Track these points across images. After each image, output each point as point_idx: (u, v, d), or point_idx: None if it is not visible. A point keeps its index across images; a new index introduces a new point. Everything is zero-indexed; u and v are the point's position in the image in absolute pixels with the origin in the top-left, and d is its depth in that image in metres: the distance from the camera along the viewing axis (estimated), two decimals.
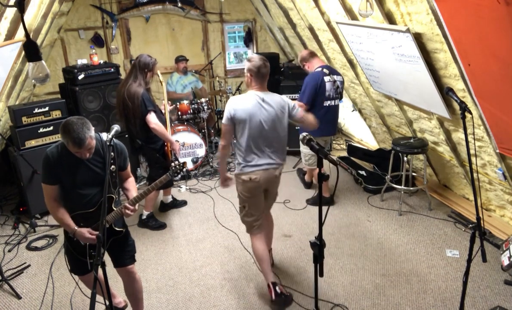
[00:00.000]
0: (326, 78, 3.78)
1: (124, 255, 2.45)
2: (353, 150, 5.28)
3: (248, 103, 2.64)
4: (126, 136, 3.90)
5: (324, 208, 1.89)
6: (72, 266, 2.38)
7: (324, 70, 3.83)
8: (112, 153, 2.24)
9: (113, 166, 2.28)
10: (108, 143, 1.97)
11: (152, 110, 3.48)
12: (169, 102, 4.84)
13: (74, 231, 2.20)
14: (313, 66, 3.93)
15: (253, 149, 2.69)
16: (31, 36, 1.91)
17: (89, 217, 2.25)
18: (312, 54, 4.01)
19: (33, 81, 1.94)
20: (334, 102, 3.89)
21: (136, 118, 3.50)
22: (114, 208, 2.30)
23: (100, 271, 1.79)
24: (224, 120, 2.71)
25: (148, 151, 3.71)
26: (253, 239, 2.90)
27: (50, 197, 2.21)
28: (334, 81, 3.83)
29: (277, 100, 2.71)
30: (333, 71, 3.91)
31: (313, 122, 2.90)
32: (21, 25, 3.05)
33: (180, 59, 5.77)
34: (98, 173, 2.23)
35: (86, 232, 2.20)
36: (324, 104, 3.82)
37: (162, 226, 3.94)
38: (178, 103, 5.25)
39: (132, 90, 3.46)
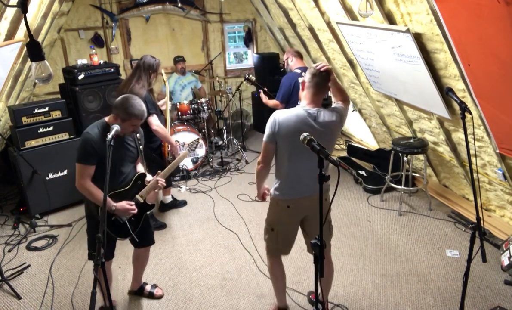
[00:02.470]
0: (301, 79, 3.83)
1: (149, 234, 2.72)
2: (353, 150, 5.28)
3: (295, 119, 2.20)
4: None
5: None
6: (106, 252, 2.22)
7: (302, 73, 3.86)
8: (138, 135, 2.56)
9: (141, 146, 2.57)
10: (108, 143, 1.97)
11: (154, 113, 3.49)
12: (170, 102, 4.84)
13: (114, 206, 2.32)
14: (294, 65, 3.98)
15: (295, 173, 2.28)
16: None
17: (124, 195, 2.42)
18: (298, 54, 4.07)
19: (36, 80, 1.94)
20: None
21: (143, 120, 3.50)
22: (146, 184, 2.53)
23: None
24: (265, 137, 2.27)
25: (145, 149, 3.71)
26: (271, 260, 2.55)
27: (88, 177, 2.29)
28: None
29: (331, 118, 2.26)
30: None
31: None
32: (20, 25, 3.07)
33: (177, 59, 5.79)
34: (132, 151, 2.51)
35: (126, 204, 2.37)
36: (299, 103, 3.87)
37: (162, 226, 3.94)
38: (178, 103, 5.25)
39: (135, 91, 3.45)
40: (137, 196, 2.51)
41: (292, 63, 4.01)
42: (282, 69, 5.87)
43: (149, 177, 2.61)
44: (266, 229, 2.50)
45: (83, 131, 2.36)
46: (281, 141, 2.24)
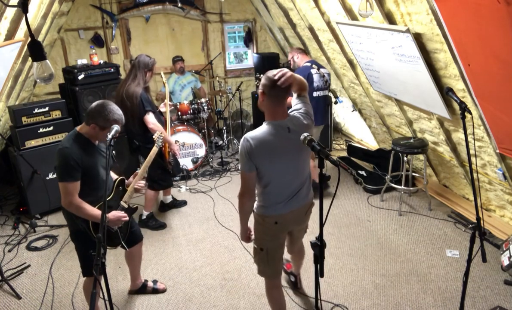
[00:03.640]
0: (313, 71, 4.03)
1: (135, 231, 2.71)
2: (353, 150, 5.28)
3: (273, 137, 2.04)
4: (126, 136, 3.90)
5: (327, 205, 1.87)
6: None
7: (312, 65, 4.09)
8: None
9: (114, 151, 2.50)
10: (108, 143, 1.97)
11: (150, 111, 3.49)
12: (170, 103, 4.84)
13: (107, 218, 2.30)
14: (301, 61, 4.18)
15: (281, 189, 2.15)
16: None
17: (110, 204, 2.40)
18: (302, 50, 4.28)
19: (37, 80, 1.94)
20: (323, 92, 4.11)
21: (134, 118, 3.51)
22: (126, 189, 2.53)
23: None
24: (243, 167, 2.07)
25: (146, 151, 3.70)
26: (267, 285, 2.40)
27: (76, 193, 2.22)
28: (323, 75, 4.07)
29: (303, 122, 2.13)
30: (319, 65, 4.16)
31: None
32: (20, 25, 3.06)
33: (176, 59, 5.79)
34: (105, 157, 2.35)
35: (117, 213, 2.37)
36: (314, 95, 4.01)
37: (162, 226, 3.94)
38: (178, 103, 5.25)
39: (131, 90, 3.47)
40: (122, 202, 2.50)
41: (298, 59, 4.21)
42: None
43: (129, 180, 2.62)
44: (255, 250, 2.33)
45: (59, 146, 2.25)
46: (260, 165, 2.05)
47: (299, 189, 2.19)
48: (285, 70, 2.01)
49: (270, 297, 2.40)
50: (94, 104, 2.30)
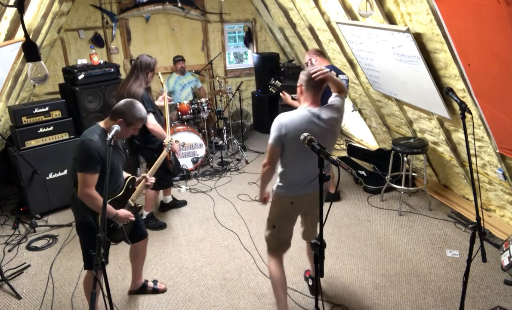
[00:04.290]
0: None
1: (141, 227, 2.76)
2: (353, 150, 5.28)
3: (300, 121, 2.26)
4: None
5: (326, 205, 1.88)
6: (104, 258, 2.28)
7: (331, 71, 3.82)
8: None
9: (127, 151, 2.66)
10: (108, 143, 1.98)
11: (151, 112, 3.49)
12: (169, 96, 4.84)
13: (116, 214, 2.36)
14: (320, 64, 3.84)
15: (301, 173, 2.36)
16: (31, 36, 1.92)
17: (120, 201, 2.46)
18: (321, 53, 3.99)
19: (32, 81, 1.94)
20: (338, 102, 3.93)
21: (146, 123, 3.51)
22: (135, 187, 2.59)
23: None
24: (271, 140, 2.30)
25: (146, 151, 3.72)
26: (271, 261, 2.57)
27: (94, 185, 2.27)
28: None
29: (332, 115, 2.33)
30: (338, 71, 3.92)
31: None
32: (21, 25, 3.06)
33: (177, 59, 5.79)
34: (123, 156, 2.54)
35: (126, 211, 2.44)
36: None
37: (162, 226, 3.94)
38: (178, 103, 5.26)
39: (132, 90, 3.47)
40: (129, 201, 2.54)
41: (316, 62, 3.87)
42: (282, 69, 5.86)
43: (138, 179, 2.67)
44: (268, 226, 2.55)
45: (82, 139, 2.29)
46: (287, 143, 2.27)
47: (314, 179, 2.31)
48: (321, 67, 2.35)
49: (272, 273, 2.55)
50: (122, 101, 2.41)
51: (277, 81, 4.01)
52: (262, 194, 2.59)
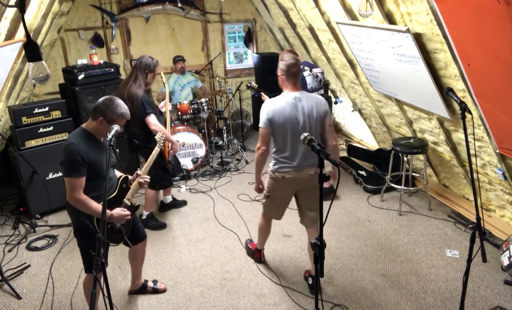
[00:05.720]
0: (306, 73, 4.02)
1: (139, 228, 2.75)
2: (353, 150, 5.28)
3: (285, 105, 2.62)
4: (125, 136, 3.90)
5: (326, 205, 1.87)
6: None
7: (304, 67, 4.07)
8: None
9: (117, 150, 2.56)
10: (108, 143, 1.98)
11: (151, 113, 3.49)
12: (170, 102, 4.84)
13: (111, 215, 2.33)
14: None
15: (289, 150, 2.68)
16: (31, 36, 1.91)
17: (114, 201, 2.42)
18: (294, 53, 4.09)
19: (33, 81, 1.94)
20: (318, 93, 4.13)
21: (135, 119, 3.51)
22: (130, 186, 2.55)
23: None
24: (261, 124, 2.68)
25: (146, 150, 3.71)
26: (262, 219, 3.09)
27: (81, 189, 2.24)
28: (316, 75, 4.07)
29: (313, 101, 2.67)
30: (311, 66, 4.18)
31: (335, 152, 2.73)
32: (21, 25, 3.06)
33: (177, 59, 5.79)
34: (112, 155, 2.44)
35: (121, 211, 2.39)
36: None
37: (162, 226, 3.94)
38: (178, 103, 5.26)
39: (132, 91, 3.46)
40: (125, 200, 2.52)
41: None
42: None
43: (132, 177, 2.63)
44: (264, 195, 2.94)
45: (65, 143, 2.27)
46: (276, 126, 2.64)
47: (304, 157, 2.67)
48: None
49: (261, 228, 3.15)
50: (101, 99, 2.36)
51: (253, 83, 4.09)
52: (257, 180, 2.90)
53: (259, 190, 2.93)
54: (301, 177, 2.73)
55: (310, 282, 2.95)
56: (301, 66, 3.94)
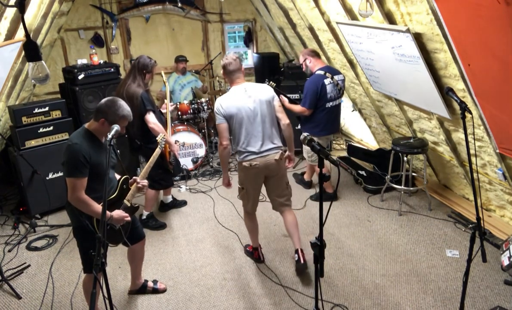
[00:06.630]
0: (327, 81, 3.82)
1: (138, 228, 2.76)
2: (353, 150, 5.28)
3: (234, 97, 2.87)
4: (126, 136, 3.90)
5: (326, 205, 1.88)
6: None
7: (326, 73, 3.85)
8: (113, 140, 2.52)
9: (118, 150, 2.57)
10: (108, 143, 1.98)
11: (151, 110, 3.48)
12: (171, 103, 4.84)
13: (110, 216, 2.33)
14: (314, 66, 3.93)
15: (249, 138, 2.88)
16: (31, 36, 1.91)
17: (114, 202, 2.43)
18: (316, 53, 4.01)
19: (33, 81, 1.94)
20: (336, 102, 3.96)
21: (135, 118, 3.50)
22: (129, 188, 2.55)
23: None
24: (217, 120, 2.89)
25: (147, 151, 3.71)
26: (245, 216, 3.24)
27: (83, 189, 2.23)
28: (336, 83, 3.87)
29: (259, 89, 2.94)
30: (333, 72, 3.93)
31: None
32: (21, 25, 3.06)
33: (180, 59, 5.77)
34: (113, 157, 2.46)
35: (121, 212, 2.41)
36: (327, 106, 3.87)
37: (162, 226, 3.94)
38: (178, 103, 5.25)
39: (131, 90, 3.46)
40: (124, 201, 2.52)
41: (311, 64, 3.94)
42: (282, 69, 5.85)
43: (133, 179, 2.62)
44: (239, 189, 3.14)
45: (67, 143, 2.28)
46: (231, 118, 2.85)
47: (264, 141, 2.90)
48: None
49: (246, 224, 3.29)
50: (103, 100, 2.36)
51: (271, 82, 3.78)
52: (224, 176, 3.13)
53: (228, 185, 3.14)
54: (267, 163, 2.92)
55: (296, 258, 3.04)
56: (322, 71, 3.84)
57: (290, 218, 3.12)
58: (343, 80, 3.98)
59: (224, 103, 2.86)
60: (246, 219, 3.25)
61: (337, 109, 4.02)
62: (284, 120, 2.96)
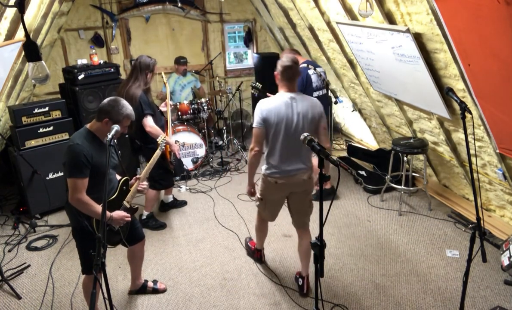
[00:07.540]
0: (311, 72, 4.05)
1: (138, 229, 2.75)
2: (353, 150, 5.28)
3: (280, 104, 2.58)
4: (126, 136, 3.90)
5: (327, 205, 1.88)
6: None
7: (309, 65, 4.11)
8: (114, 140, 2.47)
9: (119, 152, 2.59)
10: (108, 143, 1.98)
11: (149, 114, 3.48)
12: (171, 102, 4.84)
13: (110, 217, 2.33)
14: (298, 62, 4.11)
15: (281, 154, 2.63)
16: (31, 36, 1.91)
17: (114, 203, 2.43)
18: (296, 51, 4.16)
19: (33, 81, 1.94)
20: (322, 92, 4.13)
21: (134, 120, 3.51)
22: (129, 189, 2.55)
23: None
24: (255, 123, 2.62)
25: (147, 151, 3.71)
26: (257, 220, 3.11)
27: (84, 190, 2.23)
28: (319, 74, 4.10)
29: (307, 103, 2.63)
30: (315, 65, 4.20)
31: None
32: (21, 25, 3.06)
33: (181, 61, 5.73)
34: (114, 157, 2.47)
35: (121, 213, 2.41)
36: (314, 95, 3.99)
37: (162, 226, 3.94)
38: (178, 103, 5.25)
39: (131, 92, 3.47)
40: (124, 202, 2.51)
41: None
42: None
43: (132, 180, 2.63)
44: (257, 198, 2.93)
45: (69, 143, 2.26)
46: (270, 126, 2.59)
47: (296, 160, 2.66)
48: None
49: (257, 228, 3.18)
50: (106, 100, 2.36)
51: (257, 83, 3.90)
52: (249, 183, 2.86)
53: (251, 193, 2.91)
54: (294, 182, 2.70)
55: (300, 283, 2.92)
56: (305, 64, 4.04)
57: (306, 243, 2.87)
58: (324, 72, 4.25)
59: (268, 108, 2.58)
60: (258, 221, 3.12)
61: (324, 99, 4.14)
62: (325, 144, 2.61)
